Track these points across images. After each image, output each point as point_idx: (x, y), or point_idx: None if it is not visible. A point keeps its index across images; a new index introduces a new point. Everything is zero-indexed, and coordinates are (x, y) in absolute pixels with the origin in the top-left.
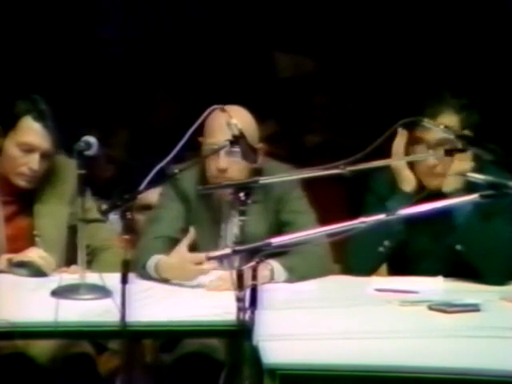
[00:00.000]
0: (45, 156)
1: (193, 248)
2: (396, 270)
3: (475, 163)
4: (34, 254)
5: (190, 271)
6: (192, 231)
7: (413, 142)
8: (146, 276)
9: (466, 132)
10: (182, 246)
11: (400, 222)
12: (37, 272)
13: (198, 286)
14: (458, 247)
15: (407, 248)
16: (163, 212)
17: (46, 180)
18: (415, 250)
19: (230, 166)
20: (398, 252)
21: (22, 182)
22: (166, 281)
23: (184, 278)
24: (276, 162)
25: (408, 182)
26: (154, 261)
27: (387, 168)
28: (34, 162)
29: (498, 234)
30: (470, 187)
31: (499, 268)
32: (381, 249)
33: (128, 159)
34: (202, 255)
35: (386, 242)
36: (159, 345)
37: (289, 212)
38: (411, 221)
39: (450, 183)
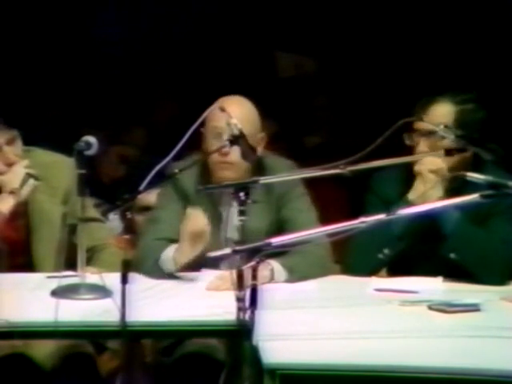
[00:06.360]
0: None
1: None
2: (395, 272)
3: (475, 163)
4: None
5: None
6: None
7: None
8: (157, 272)
9: (462, 128)
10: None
11: (401, 230)
12: None
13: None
14: (452, 256)
15: (406, 252)
16: (162, 213)
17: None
18: (414, 254)
19: (232, 151)
20: (398, 256)
21: None
22: (172, 276)
23: (202, 238)
24: (278, 157)
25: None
26: (170, 253)
27: (389, 168)
28: None
29: (492, 237)
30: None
31: (497, 269)
32: (380, 256)
33: (141, 159)
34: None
35: (386, 250)
36: (160, 349)
37: (290, 209)
38: (411, 226)
39: (414, 190)
